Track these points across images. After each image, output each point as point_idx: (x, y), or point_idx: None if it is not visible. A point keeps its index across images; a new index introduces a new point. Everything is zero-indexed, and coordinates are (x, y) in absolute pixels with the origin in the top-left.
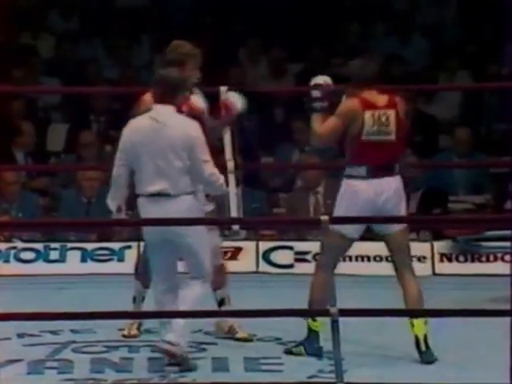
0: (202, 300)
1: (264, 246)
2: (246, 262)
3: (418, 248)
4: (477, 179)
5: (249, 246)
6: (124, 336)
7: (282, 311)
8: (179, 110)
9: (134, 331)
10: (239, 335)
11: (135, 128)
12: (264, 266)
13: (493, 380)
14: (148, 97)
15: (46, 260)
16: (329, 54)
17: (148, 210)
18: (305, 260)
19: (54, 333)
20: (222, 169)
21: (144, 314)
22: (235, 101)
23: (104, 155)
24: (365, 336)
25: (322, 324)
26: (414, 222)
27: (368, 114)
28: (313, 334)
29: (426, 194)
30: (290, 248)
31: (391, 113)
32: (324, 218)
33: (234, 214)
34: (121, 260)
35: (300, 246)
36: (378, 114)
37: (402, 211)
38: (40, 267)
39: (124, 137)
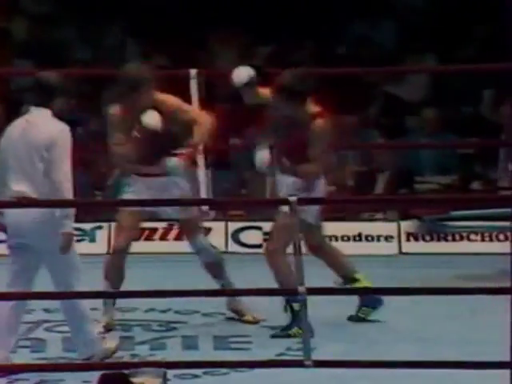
0: None
1: (233, 226)
2: (215, 242)
3: (385, 227)
4: (443, 160)
5: (218, 227)
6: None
7: (251, 291)
8: None
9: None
10: (247, 318)
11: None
12: (233, 246)
13: (457, 355)
14: (115, 110)
15: None
16: (299, 37)
17: (8, 212)
18: None
19: (26, 312)
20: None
21: (112, 294)
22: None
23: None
24: (332, 314)
25: None
26: (381, 201)
27: None
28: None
29: (393, 174)
30: (259, 228)
31: None
32: (292, 198)
33: (203, 194)
34: (92, 241)
35: (268, 226)
36: None
37: None
38: None
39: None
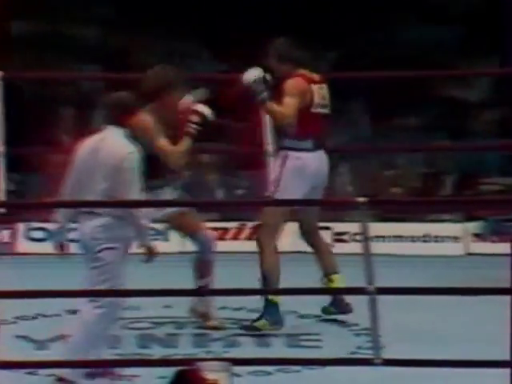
0: None
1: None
2: (285, 241)
3: (452, 228)
4: (508, 161)
5: (288, 227)
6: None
7: (321, 289)
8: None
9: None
10: (209, 324)
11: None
12: (302, 246)
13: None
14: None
15: None
16: (364, 42)
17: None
18: (343, 240)
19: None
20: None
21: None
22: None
23: None
24: (402, 313)
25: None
26: (447, 203)
27: (315, 88)
28: (272, 305)
29: (459, 176)
30: (328, 228)
31: (325, 87)
32: (362, 199)
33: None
34: (166, 240)
35: (338, 226)
36: (319, 88)
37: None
38: None
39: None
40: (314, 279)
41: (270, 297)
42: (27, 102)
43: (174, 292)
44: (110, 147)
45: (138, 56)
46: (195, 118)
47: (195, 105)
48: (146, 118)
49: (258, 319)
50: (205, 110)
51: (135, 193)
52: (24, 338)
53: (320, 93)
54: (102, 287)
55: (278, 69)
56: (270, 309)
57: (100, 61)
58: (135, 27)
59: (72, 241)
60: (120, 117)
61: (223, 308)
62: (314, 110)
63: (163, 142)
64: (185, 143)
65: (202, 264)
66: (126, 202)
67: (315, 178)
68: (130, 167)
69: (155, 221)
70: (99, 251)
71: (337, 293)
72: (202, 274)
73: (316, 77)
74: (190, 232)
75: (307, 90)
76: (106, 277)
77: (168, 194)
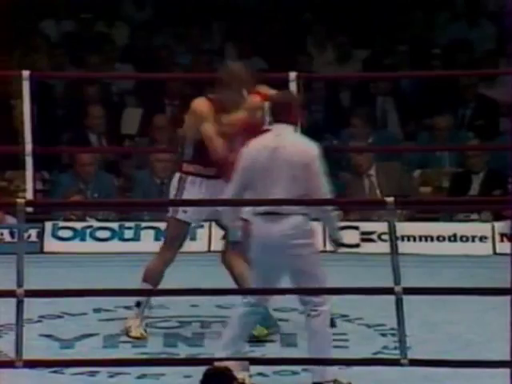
0: None
1: None
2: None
3: (480, 228)
4: None
5: (316, 227)
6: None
7: (348, 289)
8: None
9: (138, 334)
10: (132, 334)
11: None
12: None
13: None
14: (204, 107)
15: (120, 238)
16: (393, 41)
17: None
18: (370, 240)
19: (128, 308)
20: None
21: (211, 291)
22: None
23: (176, 138)
24: (428, 314)
25: None
26: (475, 202)
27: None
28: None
29: (487, 176)
30: (356, 228)
31: None
32: (389, 199)
33: None
34: (193, 239)
35: (365, 226)
36: None
37: None
38: (115, 245)
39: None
40: (337, 279)
41: None
42: (57, 101)
43: (200, 291)
44: (294, 146)
45: (169, 56)
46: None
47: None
48: None
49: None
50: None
51: (326, 190)
52: (49, 336)
53: None
54: (319, 284)
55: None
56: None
57: (131, 60)
58: (165, 27)
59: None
60: (288, 115)
61: None
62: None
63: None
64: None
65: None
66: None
67: None
68: (319, 164)
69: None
70: (302, 252)
71: (365, 293)
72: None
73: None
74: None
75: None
76: (316, 270)
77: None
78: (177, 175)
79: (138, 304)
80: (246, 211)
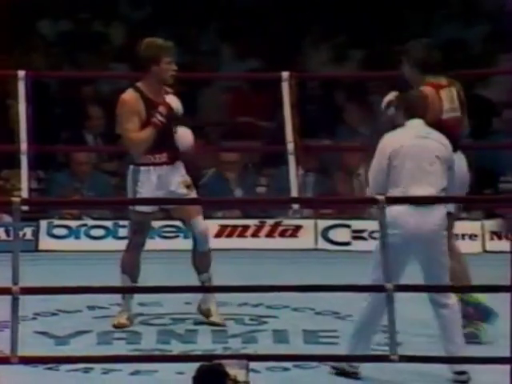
0: None
1: (322, 224)
2: (305, 239)
3: (469, 226)
4: None
5: (308, 224)
6: (114, 326)
7: (340, 287)
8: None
9: (123, 320)
10: (213, 319)
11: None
12: (322, 243)
13: None
14: (127, 97)
15: (115, 237)
16: (390, 41)
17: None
18: (361, 238)
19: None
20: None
21: (206, 289)
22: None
23: None
24: (419, 311)
25: None
26: (465, 201)
27: (443, 94)
28: None
29: (478, 174)
30: (347, 226)
31: (452, 89)
32: (380, 197)
33: (294, 193)
34: (187, 237)
35: (357, 224)
36: (448, 91)
37: None
38: (109, 243)
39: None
40: (329, 276)
41: None
42: (54, 100)
43: (194, 289)
44: (439, 142)
45: None
46: (163, 110)
47: (168, 97)
48: None
49: None
50: (174, 103)
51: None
52: (44, 333)
53: (449, 96)
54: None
55: (411, 76)
56: None
57: (127, 60)
58: (162, 27)
59: None
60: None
61: (244, 304)
62: (445, 116)
63: (129, 127)
64: (147, 132)
65: (202, 256)
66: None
67: None
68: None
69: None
70: (444, 245)
71: (356, 290)
72: (203, 268)
73: (443, 81)
74: (186, 220)
75: (435, 98)
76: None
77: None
78: (130, 168)
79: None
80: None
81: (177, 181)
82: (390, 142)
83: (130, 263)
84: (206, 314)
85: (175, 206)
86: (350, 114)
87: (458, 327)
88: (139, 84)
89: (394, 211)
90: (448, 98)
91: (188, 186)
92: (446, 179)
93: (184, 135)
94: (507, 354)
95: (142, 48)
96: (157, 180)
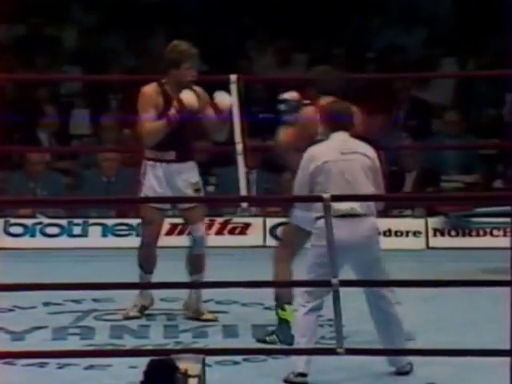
0: None
1: (271, 221)
2: (254, 236)
3: (413, 224)
4: (467, 160)
5: (257, 222)
6: (124, 317)
7: (287, 282)
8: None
9: (133, 313)
10: (205, 317)
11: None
12: (271, 241)
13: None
14: (148, 89)
15: (69, 235)
16: (332, 44)
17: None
18: None
19: (76, 302)
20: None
21: (157, 285)
22: (222, 99)
23: (122, 138)
24: (364, 305)
25: (291, 314)
26: (409, 199)
27: None
28: (283, 323)
29: (420, 173)
30: None
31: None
32: (326, 195)
33: (243, 192)
34: (139, 235)
35: None
36: None
37: None
38: (64, 241)
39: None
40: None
41: (281, 314)
42: (9, 101)
43: (160, 285)
44: (363, 154)
45: (115, 58)
46: (177, 105)
47: (184, 92)
48: None
49: (270, 334)
50: (189, 98)
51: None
52: (0, 329)
53: None
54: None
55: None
56: (283, 326)
57: (80, 63)
58: (112, 31)
59: None
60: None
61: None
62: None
63: (144, 116)
64: (160, 123)
65: (196, 258)
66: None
67: None
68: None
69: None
70: (377, 251)
71: (302, 285)
72: (196, 269)
73: None
74: (189, 223)
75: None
76: (385, 275)
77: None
78: (143, 162)
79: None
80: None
81: (185, 180)
82: (313, 157)
83: (145, 258)
84: (197, 314)
85: (183, 206)
86: None
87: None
88: (164, 80)
89: (322, 223)
90: None
91: (197, 190)
92: (374, 187)
93: (221, 96)
94: None
95: (166, 50)
96: (163, 176)
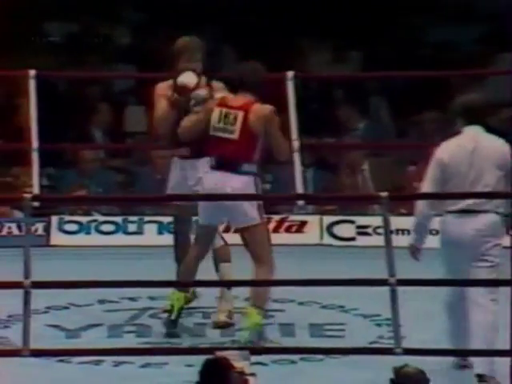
0: None
1: (327, 219)
2: (310, 234)
3: None
4: None
5: (313, 220)
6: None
7: (344, 281)
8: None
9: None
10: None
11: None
12: (328, 239)
13: None
14: (159, 84)
15: (124, 232)
16: (385, 42)
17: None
18: (366, 233)
19: (132, 299)
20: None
21: (214, 283)
22: (186, 79)
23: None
24: (422, 304)
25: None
26: (466, 196)
27: (216, 111)
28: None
29: None
30: (352, 222)
31: (240, 114)
32: (383, 194)
33: (299, 190)
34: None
35: (361, 220)
36: (226, 112)
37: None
38: (119, 239)
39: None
40: (335, 271)
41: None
42: (62, 99)
43: (203, 283)
44: (495, 148)
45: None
46: (175, 88)
47: (184, 74)
48: None
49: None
50: (185, 78)
51: None
52: (55, 326)
53: (224, 117)
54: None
55: None
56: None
57: (134, 61)
58: (166, 29)
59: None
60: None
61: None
62: (211, 133)
63: (156, 109)
64: (164, 110)
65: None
66: None
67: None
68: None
69: None
70: (488, 250)
71: (361, 284)
72: (218, 262)
73: (236, 102)
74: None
75: (209, 111)
76: (495, 275)
77: None
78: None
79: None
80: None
81: (197, 177)
82: (445, 151)
83: (182, 256)
84: (223, 326)
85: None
86: (345, 113)
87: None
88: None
89: (439, 221)
90: (218, 118)
91: None
92: (503, 185)
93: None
94: None
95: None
96: (180, 172)
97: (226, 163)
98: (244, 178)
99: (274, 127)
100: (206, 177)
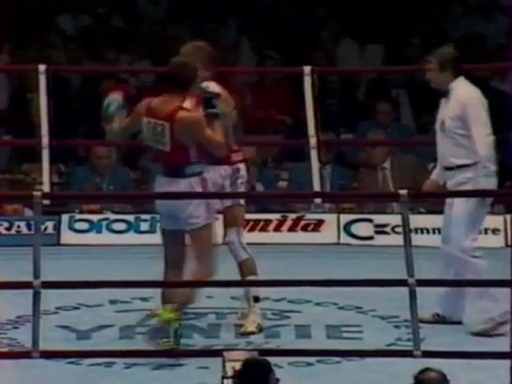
0: None
1: (345, 218)
2: (327, 233)
3: (492, 221)
4: None
5: (331, 219)
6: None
7: (362, 281)
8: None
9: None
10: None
11: None
12: (345, 238)
13: None
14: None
15: (136, 231)
16: (408, 35)
17: None
18: (384, 232)
19: (144, 300)
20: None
21: (227, 283)
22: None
23: None
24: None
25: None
26: (489, 195)
27: (145, 122)
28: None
29: (499, 168)
30: (370, 220)
31: (167, 126)
32: (403, 192)
33: (316, 188)
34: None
35: (379, 218)
36: (154, 123)
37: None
38: (131, 238)
39: None
40: (352, 271)
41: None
42: (73, 94)
43: (216, 283)
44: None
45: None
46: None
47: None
48: None
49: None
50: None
51: None
52: (66, 327)
53: (153, 128)
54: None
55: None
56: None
57: (150, 55)
58: (180, 22)
59: None
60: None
61: (266, 299)
62: (145, 141)
63: None
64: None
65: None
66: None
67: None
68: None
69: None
70: None
71: (379, 285)
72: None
73: (163, 111)
74: (225, 225)
75: (139, 118)
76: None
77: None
78: None
79: (257, 299)
80: None
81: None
82: (479, 95)
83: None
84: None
85: (225, 204)
86: (374, 109)
87: None
88: None
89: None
90: (147, 129)
91: None
92: None
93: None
94: None
95: None
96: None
97: (169, 169)
98: (189, 179)
99: (200, 133)
100: (157, 183)
